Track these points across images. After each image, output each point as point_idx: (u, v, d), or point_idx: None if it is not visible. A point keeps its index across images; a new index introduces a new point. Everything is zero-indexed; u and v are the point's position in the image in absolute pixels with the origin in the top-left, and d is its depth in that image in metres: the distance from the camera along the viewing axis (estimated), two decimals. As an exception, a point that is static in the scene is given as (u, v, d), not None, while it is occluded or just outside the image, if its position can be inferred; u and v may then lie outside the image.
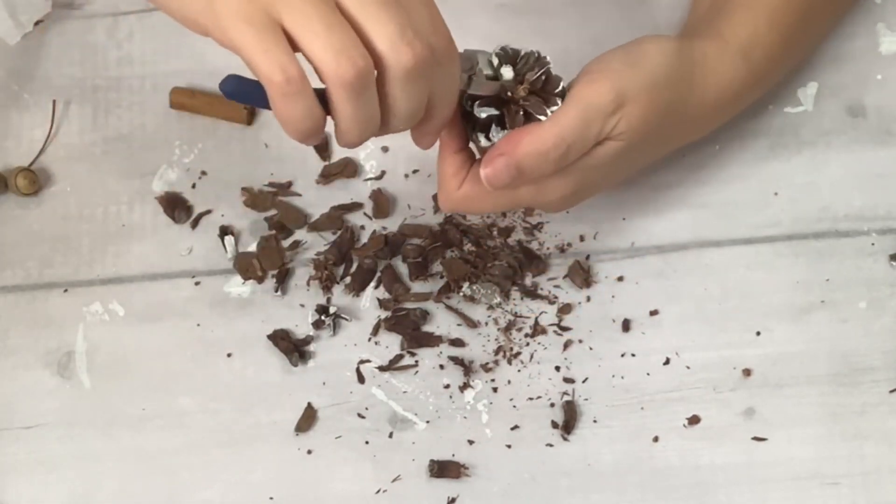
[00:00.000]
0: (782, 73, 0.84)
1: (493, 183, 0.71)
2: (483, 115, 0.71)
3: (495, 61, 0.71)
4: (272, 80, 0.61)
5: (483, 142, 0.72)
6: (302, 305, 0.84)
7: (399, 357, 0.83)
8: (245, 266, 0.85)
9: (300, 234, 0.86)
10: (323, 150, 0.87)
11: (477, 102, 0.71)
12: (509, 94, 0.71)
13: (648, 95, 0.72)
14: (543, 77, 0.71)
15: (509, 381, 0.82)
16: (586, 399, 0.81)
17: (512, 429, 0.81)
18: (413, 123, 0.67)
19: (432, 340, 0.83)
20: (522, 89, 0.71)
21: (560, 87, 0.72)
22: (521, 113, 0.71)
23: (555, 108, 0.71)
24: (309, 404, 0.82)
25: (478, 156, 0.74)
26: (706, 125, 0.80)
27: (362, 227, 0.86)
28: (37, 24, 0.92)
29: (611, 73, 0.72)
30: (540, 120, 0.71)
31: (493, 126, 0.71)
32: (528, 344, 0.83)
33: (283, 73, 0.61)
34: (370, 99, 0.63)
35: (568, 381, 0.82)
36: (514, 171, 0.71)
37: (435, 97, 0.67)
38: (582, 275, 0.83)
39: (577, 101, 0.71)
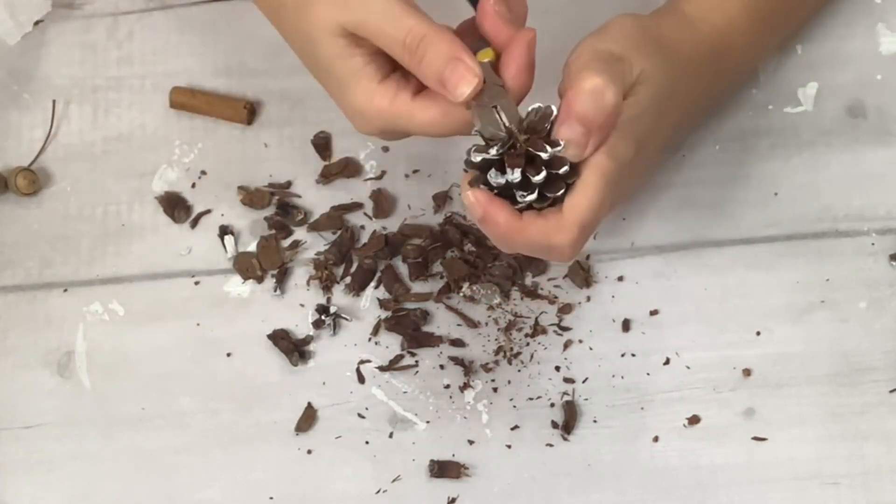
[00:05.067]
0: (758, 38, 0.82)
1: (579, 150, 0.70)
2: (478, 159, 0.70)
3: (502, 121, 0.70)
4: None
5: (493, 180, 0.70)
6: (302, 305, 0.84)
7: (399, 357, 0.83)
8: (245, 266, 0.85)
9: (300, 234, 0.86)
10: (323, 149, 0.87)
11: (474, 148, 0.70)
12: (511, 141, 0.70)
13: (635, 44, 0.74)
14: (547, 126, 0.70)
15: (509, 381, 0.82)
16: (586, 399, 0.81)
17: (512, 429, 0.81)
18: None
19: (432, 340, 0.83)
20: (524, 133, 0.70)
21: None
22: (522, 153, 0.70)
23: (558, 148, 0.69)
24: (309, 404, 0.82)
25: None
26: (697, 78, 0.79)
27: (362, 227, 0.86)
28: (37, 24, 0.92)
29: (594, 44, 0.73)
30: (541, 156, 0.69)
31: (493, 169, 0.70)
32: (528, 344, 0.83)
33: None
34: None
35: (568, 381, 0.82)
36: (583, 128, 0.70)
37: None
38: (582, 275, 0.83)
39: (588, 60, 0.72)
